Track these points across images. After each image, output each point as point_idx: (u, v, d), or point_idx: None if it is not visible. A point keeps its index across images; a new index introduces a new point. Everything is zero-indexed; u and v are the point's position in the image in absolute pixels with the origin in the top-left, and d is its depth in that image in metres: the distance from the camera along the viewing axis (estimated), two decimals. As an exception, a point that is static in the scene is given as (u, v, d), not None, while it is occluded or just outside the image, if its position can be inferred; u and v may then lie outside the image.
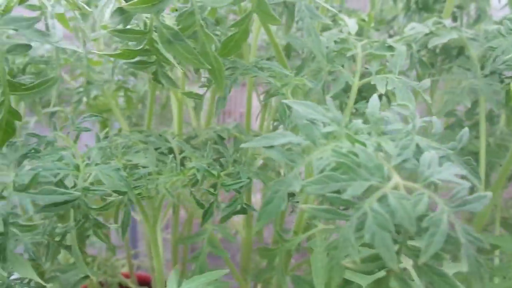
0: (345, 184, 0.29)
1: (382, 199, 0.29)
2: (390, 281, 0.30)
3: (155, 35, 0.40)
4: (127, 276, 0.93)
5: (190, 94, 0.46)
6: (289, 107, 0.42)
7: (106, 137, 0.51)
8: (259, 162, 0.58)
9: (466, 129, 0.35)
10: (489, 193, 0.29)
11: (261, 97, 0.79)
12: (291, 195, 0.49)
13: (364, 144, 0.31)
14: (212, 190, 0.40)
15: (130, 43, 0.47)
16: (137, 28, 0.40)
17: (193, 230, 0.79)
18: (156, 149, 0.53)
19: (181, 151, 0.54)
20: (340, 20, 0.65)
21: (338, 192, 0.30)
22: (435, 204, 0.30)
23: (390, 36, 0.88)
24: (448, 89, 0.69)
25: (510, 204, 0.77)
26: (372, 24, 0.72)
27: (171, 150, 0.55)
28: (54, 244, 0.46)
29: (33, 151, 0.35)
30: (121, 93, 0.73)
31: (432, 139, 0.34)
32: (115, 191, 0.36)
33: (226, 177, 0.41)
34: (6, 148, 0.35)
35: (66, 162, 0.33)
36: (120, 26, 0.39)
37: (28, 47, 0.32)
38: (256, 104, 0.77)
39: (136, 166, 0.47)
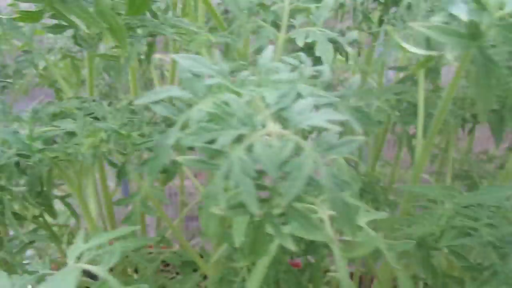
0: (216, 134, 0.30)
1: (250, 148, 0.29)
2: (264, 226, 0.31)
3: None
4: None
5: (105, 56, 0.46)
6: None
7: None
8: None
9: (326, 65, 0.35)
10: (360, 137, 0.29)
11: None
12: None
13: (239, 94, 0.31)
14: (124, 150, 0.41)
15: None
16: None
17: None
18: (89, 114, 0.53)
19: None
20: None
21: (211, 142, 0.30)
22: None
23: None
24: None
25: (467, 158, 0.77)
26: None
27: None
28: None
29: None
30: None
31: (319, 87, 0.34)
32: (18, 154, 0.37)
33: (139, 137, 0.41)
34: None
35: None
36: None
37: None
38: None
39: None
